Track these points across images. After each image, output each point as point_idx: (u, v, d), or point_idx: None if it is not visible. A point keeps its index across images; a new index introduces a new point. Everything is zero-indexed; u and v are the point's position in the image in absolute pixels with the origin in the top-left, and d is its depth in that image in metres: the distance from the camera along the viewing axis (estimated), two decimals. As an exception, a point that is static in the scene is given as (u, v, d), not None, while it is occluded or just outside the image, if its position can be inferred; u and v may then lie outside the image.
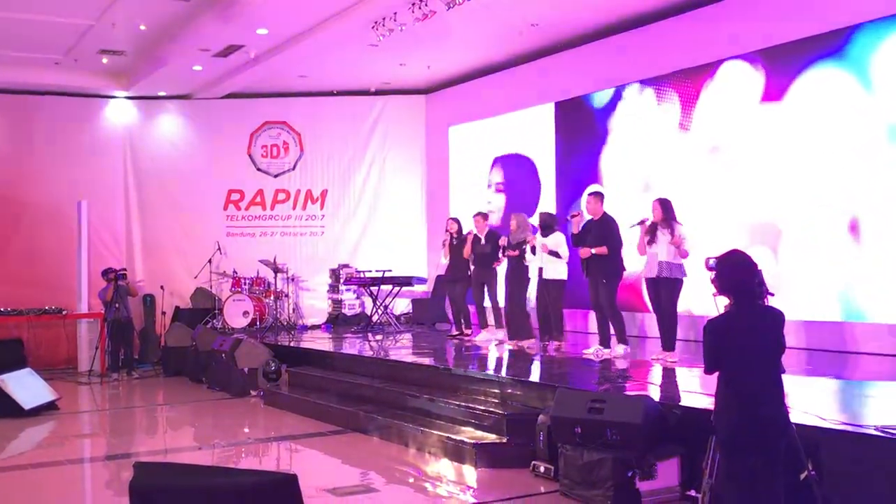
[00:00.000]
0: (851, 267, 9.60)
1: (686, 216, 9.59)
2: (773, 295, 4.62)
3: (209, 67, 14.00)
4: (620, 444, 6.16)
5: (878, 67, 9.31)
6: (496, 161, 15.12)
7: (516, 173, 14.67)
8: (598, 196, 9.89)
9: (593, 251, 9.49)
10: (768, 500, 4.41)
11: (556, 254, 10.05)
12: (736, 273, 4.54)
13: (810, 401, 6.50)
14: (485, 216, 12.04)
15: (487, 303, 11.86)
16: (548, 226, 10.33)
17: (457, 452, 7.60)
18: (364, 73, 14.89)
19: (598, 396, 6.67)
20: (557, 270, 10.15)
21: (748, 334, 4.47)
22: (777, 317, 4.55)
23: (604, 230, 9.58)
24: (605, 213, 9.75)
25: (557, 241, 10.16)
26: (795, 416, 5.39)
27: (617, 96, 12.57)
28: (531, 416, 7.26)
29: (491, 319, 11.94)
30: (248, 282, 15.36)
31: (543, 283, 10.24)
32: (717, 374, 4.58)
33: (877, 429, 5.32)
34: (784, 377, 4.58)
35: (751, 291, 4.50)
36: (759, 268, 4.58)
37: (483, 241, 11.63)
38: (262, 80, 14.85)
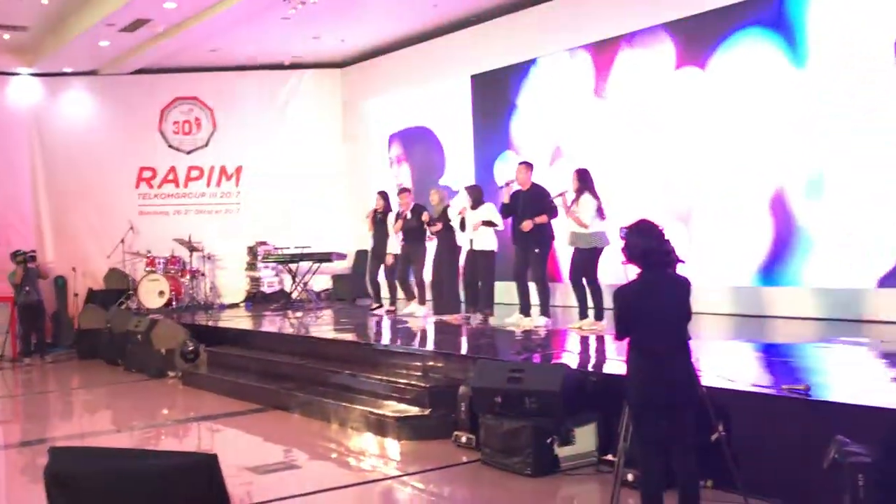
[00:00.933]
0: (770, 233, 9.83)
1: (604, 185, 9.66)
2: (683, 262, 4.71)
3: (116, 42, 13.61)
4: (539, 412, 6.27)
5: (807, 34, 9.38)
6: (393, 137, 15.24)
7: (418, 146, 14.79)
8: (528, 166, 9.85)
9: (536, 221, 9.48)
10: (680, 461, 4.56)
11: (491, 223, 10.10)
12: (643, 242, 4.64)
13: (722, 364, 6.70)
14: (408, 191, 12.04)
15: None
16: (476, 199, 10.36)
17: (379, 426, 7.64)
18: (277, 46, 14.69)
19: (517, 366, 6.79)
20: (487, 241, 10.18)
21: (656, 301, 4.58)
22: (684, 284, 4.67)
23: (538, 200, 9.57)
24: (534, 183, 9.77)
25: (489, 211, 10.19)
26: (706, 380, 5.56)
27: (532, 66, 12.64)
28: (453, 387, 7.32)
29: (415, 293, 11.97)
30: (162, 261, 15.11)
31: (472, 254, 10.28)
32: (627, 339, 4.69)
33: (783, 389, 5.52)
34: (695, 342, 4.72)
35: (658, 260, 4.61)
36: (667, 237, 4.68)
37: (409, 216, 11.64)
38: (171, 54, 14.51)
